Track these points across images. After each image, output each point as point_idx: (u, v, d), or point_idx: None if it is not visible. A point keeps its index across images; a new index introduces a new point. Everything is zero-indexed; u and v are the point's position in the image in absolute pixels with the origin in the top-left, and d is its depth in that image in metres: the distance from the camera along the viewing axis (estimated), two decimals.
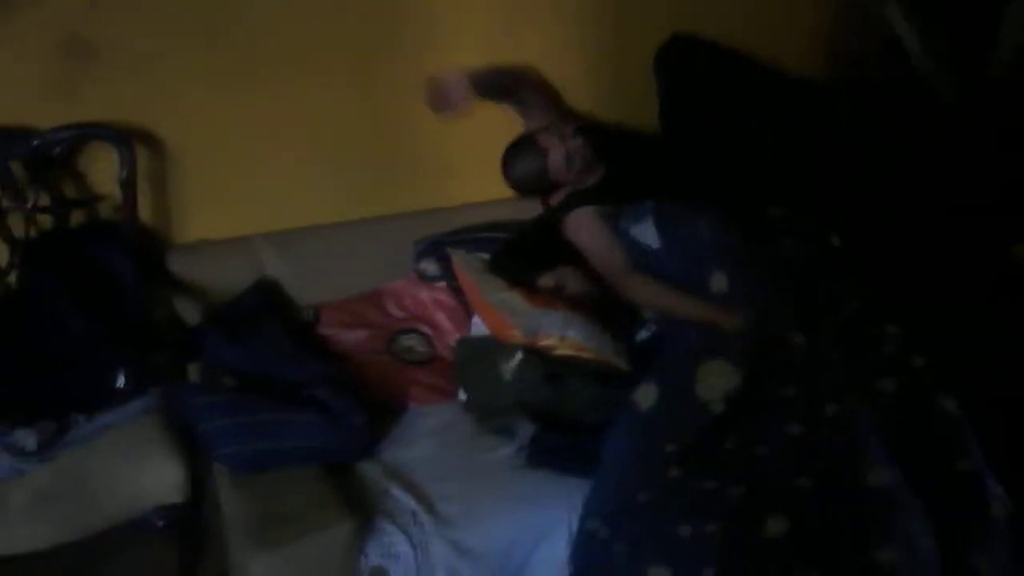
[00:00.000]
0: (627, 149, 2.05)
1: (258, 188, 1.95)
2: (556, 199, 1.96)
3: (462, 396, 1.81)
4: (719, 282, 1.72)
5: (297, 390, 1.67)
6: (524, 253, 1.94)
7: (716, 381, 1.56)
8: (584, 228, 1.90)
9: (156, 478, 1.46)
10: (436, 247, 2.00)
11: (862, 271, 1.92)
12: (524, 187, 1.95)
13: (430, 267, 1.99)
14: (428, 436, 1.73)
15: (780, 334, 1.66)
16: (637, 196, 1.93)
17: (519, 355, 1.71)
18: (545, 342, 1.73)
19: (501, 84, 1.96)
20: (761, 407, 1.56)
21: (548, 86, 2.13)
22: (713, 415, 1.55)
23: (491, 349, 1.77)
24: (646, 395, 1.58)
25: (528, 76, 2.05)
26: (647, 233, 1.88)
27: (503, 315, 1.75)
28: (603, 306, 1.90)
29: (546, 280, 1.87)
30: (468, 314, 1.91)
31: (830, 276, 1.86)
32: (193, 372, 1.73)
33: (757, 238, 1.86)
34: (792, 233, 1.93)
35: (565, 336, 1.73)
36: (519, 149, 1.92)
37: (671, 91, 2.21)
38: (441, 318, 1.97)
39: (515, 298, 1.77)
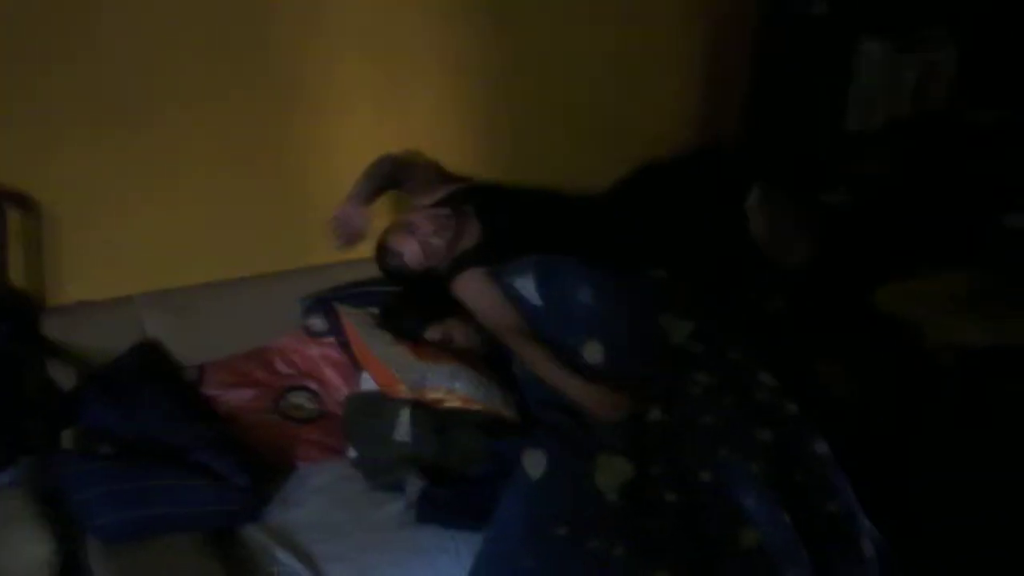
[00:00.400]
0: (514, 204, 2.09)
1: (138, 246, 1.91)
2: (443, 267, 1.98)
3: (351, 453, 1.80)
4: (593, 352, 1.74)
5: (180, 454, 1.64)
6: (413, 306, 1.95)
7: (615, 475, 1.55)
8: (471, 289, 1.91)
9: (20, 557, 1.39)
10: (323, 303, 1.99)
11: (737, 321, 2.02)
12: (409, 283, 1.99)
13: (317, 322, 1.99)
14: (316, 495, 1.71)
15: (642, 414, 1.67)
16: (525, 251, 1.95)
17: (407, 410, 1.73)
18: (433, 395, 1.75)
19: (384, 181, 2.03)
20: (642, 484, 1.57)
21: (424, 157, 2.17)
22: (608, 503, 1.53)
23: (380, 404, 1.78)
24: (535, 463, 1.56)
25: (404, 158, 2.10)
26: (528, 288, 1.92)
27: (390, 369, 1.76)
28: (491, 357, 1.94)
29: (433, 332, 1.89)
30: (357, 369, 1.91)
31: (708, 328, 1.89)
32: (67, 439, 1.67)
33: (637, 303, 1.87)
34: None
35: (452, 388, 1.75)
36: (379, 258, 1.98)
37: None
38: (330, 374, 1.96)
39: (402, 352, 1.78)
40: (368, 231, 1.94)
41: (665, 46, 2.46)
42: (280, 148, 1.99)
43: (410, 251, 1.93)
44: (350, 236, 1.93)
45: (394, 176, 2.06)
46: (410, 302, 1.95)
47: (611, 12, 2.33)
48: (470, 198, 2.05)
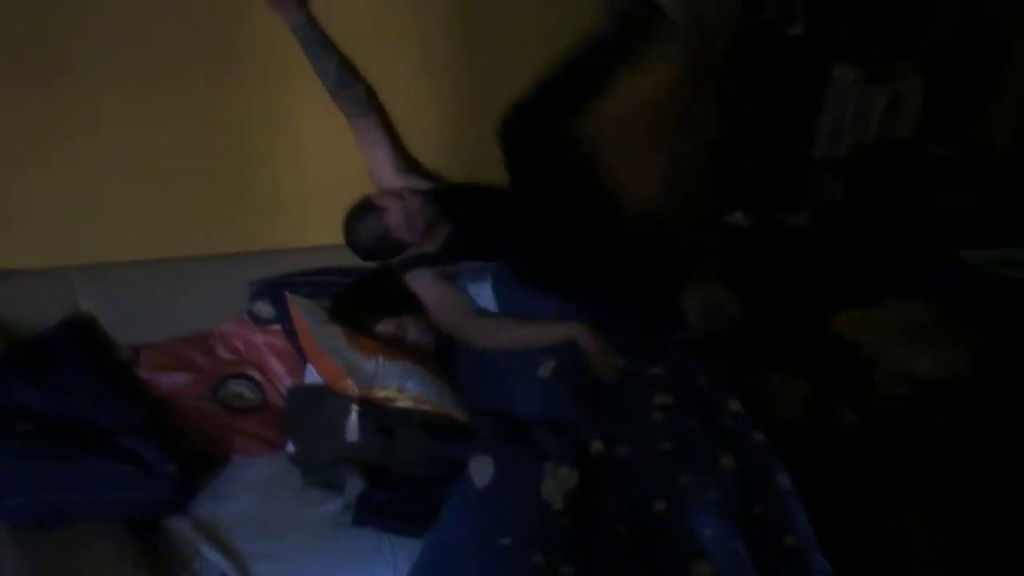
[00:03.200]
0: (477, 207, 2.03)
1: (77, 216, 1.80)
2: (397, 260, 1.92)
3: (290, 448, 1.72)
4: (546, 371, 1.72)
5: (105, 437, 1.55)
6: (365, 299, 1.88)
7: (560, 484, 1.50)
8: (420, 283, 1.88)
9: None
10: (272, 288, 1.91)
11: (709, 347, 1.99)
12: (369, 251, 1.89)
13: (265, 309, 1.90)
14: (250, 489, 1.63)
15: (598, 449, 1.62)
16: (485, 256, 1.93)
17: (355, 408, 1.66)
18: (382, 393, 1.69)
19: (338, 63, 1.91)
20: (590, 512, 1.53)
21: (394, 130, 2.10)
22: (554, 514, 1.49)
23: (325, 399, 1.71)
24: (482, 471, 1.50)
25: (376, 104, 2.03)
26: (483, 295, 1.89)
27: (338, 364, 1.69)
28: (445, 356, 1.89)
29: (385, 327, 1.82)
30: (303, 359, 1.83)
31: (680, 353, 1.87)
32: None
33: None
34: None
35: (403, 387, 1.70)
36: (357, 213, 1.86)
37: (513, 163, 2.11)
38: (274, 363, 1.88)
39: (352, 346, 1.72)
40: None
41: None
42: (239, 124, 1.90)
43: (395, 213, 1.81)
44: None
45: (359, 94, 1.95)
46: (363, 293, 1.89)
47: (584, 22, 2.30)
48: (440, 202, 1.99)
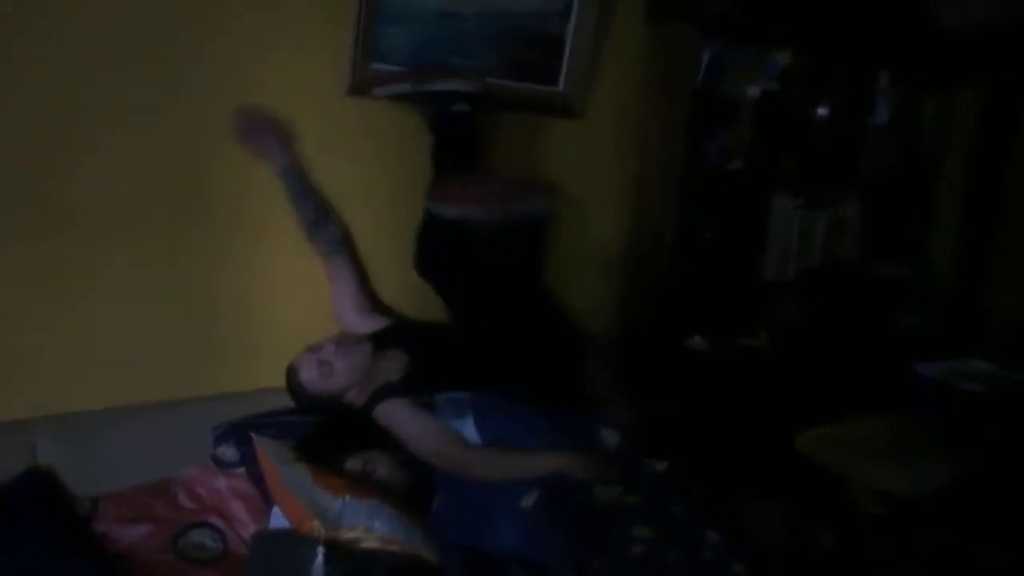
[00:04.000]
0: (431, 340, 2.07)
1: (35, 365, 1.80)
2: (362, 399, 1.93)
3: None
4: (529, 501, 1.72)
5: None
6: (333, 437, 1.87)
7: None
8: (397, 415, 1.87)
9: None
10: (236, 430, 1.89)
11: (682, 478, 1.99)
12: (312, 408, 1.94)
13: (229, 452, 1.88)
14: None
15: None
16: (449, 385, 1.94)
17: (320, 551, 1.61)
18: (349, 534, 1.64)
19: (318, 200, 1.98)
20: None
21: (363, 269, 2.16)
22: None
23: (290, 543, 1.66)
24: None
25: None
26: (466, 430, 1.88)
27: (302, 504, 1.65)
28: (421, 489, 1.86)
29: (354, 463, 1.80)
30: (268, 503, 1.80)
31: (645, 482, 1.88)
32: None
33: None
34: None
35: (371, 527, 1.65)
36: (287, 380, 1.94)
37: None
38: (237, 508, 1.83)
39: (318, 485, 1.68)
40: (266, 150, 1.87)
41: (599, 187, 2.59)
42: (192, 267, 1.93)
43: (306, 368, 1.90)
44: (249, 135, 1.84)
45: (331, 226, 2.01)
46: (330, 431, 1.88)
47: (544, 153, 2.44)
48: (396, 337, 2.03)
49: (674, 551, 1.64)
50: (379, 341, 2.01)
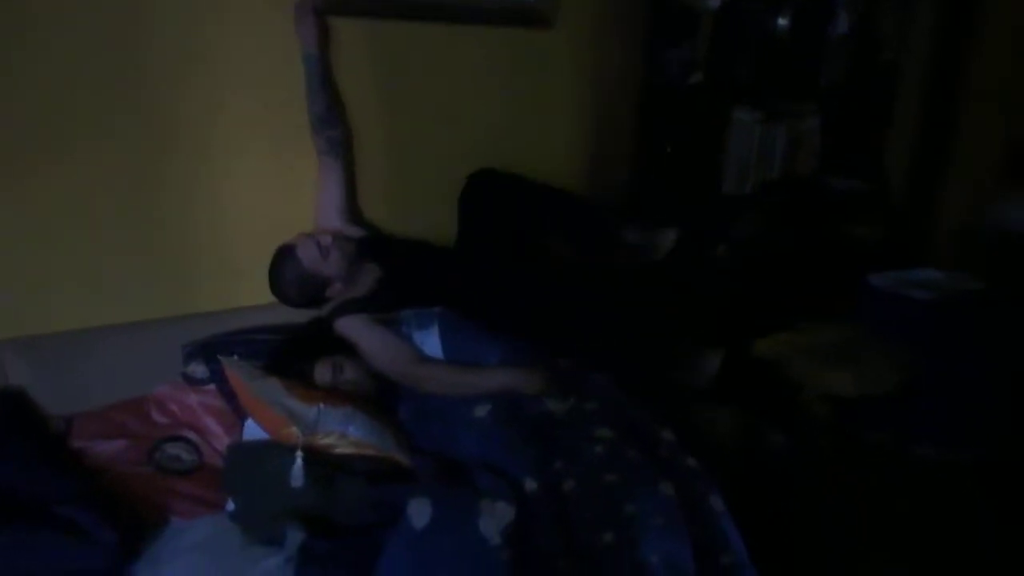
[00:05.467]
0: (411, 256, 2.12)
1: (3, 287, 1.80)
2: (327, 308, 1.97)
3: (230, 506, 1.72)
4: (482, 411, 1.78)
5: (41, 508, 1.53)
6: (300, 350, 1.91)
7: (497, 519, 1.53)
8: (356, 328, 1.91)
9: None
10: (205, 348, 1.93)
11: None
12: (294, 296, 1.97)
13: (199, 369, 1.92)
14: (190, 552, 1.62)
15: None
16: (418, 302, 1.99)
17: (299, 455, 1.67)
18: (324, 441, 1.70)
19: (328, 102, 2.04)
20: (530, 548, 1.56)
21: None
22: (492, 549, 1.51)
23: (267, 451, 1.71)
24: (419, 512, 1.53)
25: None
26: (429, 341, 1.93)
27: (279, 413, 1.70)
28: (385, 400, 1.91)
29: (323, 365, 1.85)
30: (240, 417, 1.85)
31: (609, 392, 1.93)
32: None
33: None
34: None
35: (345, 433, 1.71)
36: (275, 260, 1.97)
37: (466, 225, 2.29)
38: (210, 423, 1.88)
39: (292, 396, 1.73)
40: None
41: (560, 99, 2.59)
42: (160, 187, 1.93)
43: (307, 248, 1.94)
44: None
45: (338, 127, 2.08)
46: (297, 345, 1.92)
47: (509, 65, 2.44)
48: (371, 249, 2.06)
49: (633, 449, 1.71)
50: (358, 250, 2.04)
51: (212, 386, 1.91)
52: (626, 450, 1.71)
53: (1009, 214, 3.11)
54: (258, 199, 2.05)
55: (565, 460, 1.70)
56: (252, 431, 1.80)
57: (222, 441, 1.86)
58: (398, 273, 2.03)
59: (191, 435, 1.86)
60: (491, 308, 2.01)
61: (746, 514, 1.68)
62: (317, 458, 1.68)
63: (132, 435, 1.82)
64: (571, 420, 1.81)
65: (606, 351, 2.12)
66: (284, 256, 1.96)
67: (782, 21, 2.92)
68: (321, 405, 1.72)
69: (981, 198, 3.19)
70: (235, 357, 1.86)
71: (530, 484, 1.63)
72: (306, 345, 1.91)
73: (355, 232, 2.10)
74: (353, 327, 1.91)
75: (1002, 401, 2.63)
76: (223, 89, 1.94)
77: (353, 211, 2.17)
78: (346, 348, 1.90)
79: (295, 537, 1.58)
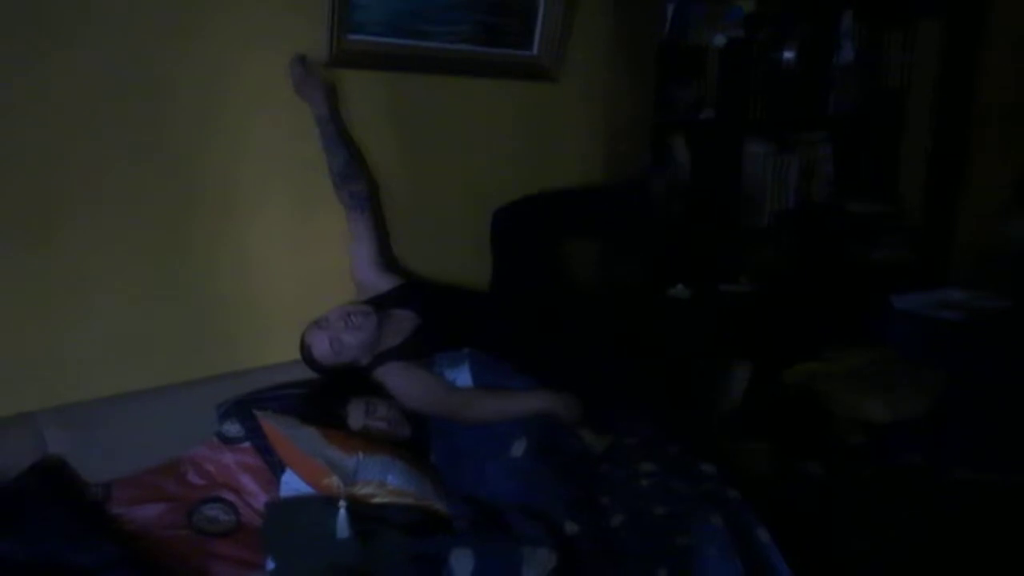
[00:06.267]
0: (446, 301, 2.15)
1: (40, 359, 1.82)
2: (364, 362, 2.01)
3: (270, 564, 1.71)
4: (518, 447, 1.78)
5: None
6: (333, 392, 1.94)
7: (540, 565, 1.53)
8: (393, 376, 1.94)
9: None
10: (239, 407, 1.94)
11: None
12: (324, 374, 2.02)
13: (233, 428, 1.93)
14: None
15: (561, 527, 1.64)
16: (453, 347, 2.01)
17: (343, 504, 1.65)
18: (364, 490, 1.71)
19: (344, 140, 2.06)
20: None
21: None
22: None
23: (308, 504, 1.72)
24: (462, 564, 1.53)
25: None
26: (461, 378, 1.95)
27: (320, 463, 1.70)
28: (417, 438, 1.93)
29: (356, 405, 1.87)
30: (276, 473, 1.85)
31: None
32: None
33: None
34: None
35: (384, 482, 1.72)
36: (301, 352, 2.01)
37: (501, 257, 2.29)
38: (246, 481, 1.88)
39: (331, 445, 1.74)
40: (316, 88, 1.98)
41: (572, 144, 2.64)
42: (186, 250, 1.96)
43: (319, 345, 1.96)
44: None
45: (360, 177, 2.09)
46: (327, 388, 1.95)
47: (523, 114, 2.49)
48: (408, 297, 2.09)
49: (678, 480, 1.72)
50: (392, 299, 2.07)
51: (247, 444, 1.92)
52: (672, 483, 1.70)
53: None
54: (283, 255, 2.08)
55: (611, 495, 1.69)
56: (288, 487, 1.81)
57: (259, 499, 1.86)
58: (433, 319, 2.05)
59: (228, 495, 1.86)
60: (522, 356, 2.02)
61: (787, 545, 1.67)
62: (358, 509, 1.68)
63: (170, 498, 1.82)
64: (612, 456, 1.81)
65: (636, 391, 2.13)
66: (304, 353, 2.00)
67: (788, 54, 2.97)
68: (360, 455, 1.73)
69: (996, 217, 3.19)
70: (269, 411, 1.88)
71: (571, 527, 1.62)
72: (338, 387, 1.94)
73: (389, 282, 2.13)
74: (389, 372, 1.95)
75: None
76: (244, 150, 1.97)
77: (387, 261, 2.20)
78: (378, 390, 1.93)
79: None
